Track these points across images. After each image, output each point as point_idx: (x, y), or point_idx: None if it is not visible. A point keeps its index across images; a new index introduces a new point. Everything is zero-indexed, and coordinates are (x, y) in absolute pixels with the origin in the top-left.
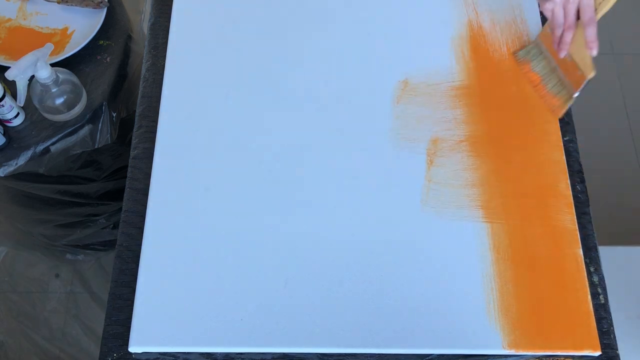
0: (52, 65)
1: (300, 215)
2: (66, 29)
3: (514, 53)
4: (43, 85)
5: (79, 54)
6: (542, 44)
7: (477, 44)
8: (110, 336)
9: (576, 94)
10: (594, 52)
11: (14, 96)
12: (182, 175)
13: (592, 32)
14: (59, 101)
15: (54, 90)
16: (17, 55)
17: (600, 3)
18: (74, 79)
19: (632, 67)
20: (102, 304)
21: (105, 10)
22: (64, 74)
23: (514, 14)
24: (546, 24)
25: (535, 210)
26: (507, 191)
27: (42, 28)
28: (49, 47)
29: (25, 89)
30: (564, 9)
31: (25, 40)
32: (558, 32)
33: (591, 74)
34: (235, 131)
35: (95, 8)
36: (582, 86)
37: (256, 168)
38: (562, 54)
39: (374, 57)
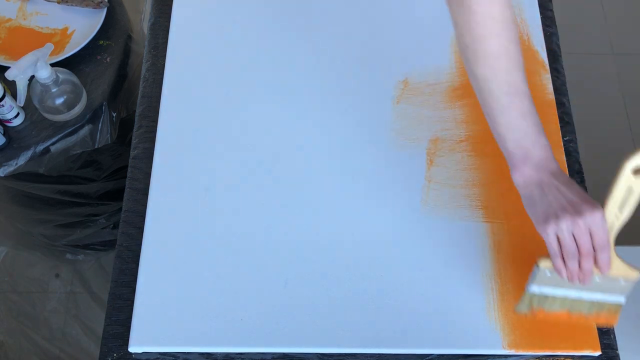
0: (52, 65)
1: (300, 215)
2: (66, 29)
3: (515, 309)
4: (43, 85)
5: (79, 54)
6: (545, 275)
7: None
8: (110, 336)
9: (614, 325)
10: (606, 272)
11: (14, 96)
12: (182, 175)
13: (604, 257)
14: (59, 101)
15: (54, 90)
16: (17, 55)
17: (613, 223)
18: (74, 79)
19: (632, 67)
20: (102, 304)
21: (105, 10)
22: (64, 74)
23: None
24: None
25: None
26: (507, 191)
27: (42, 28)
28: (49, 47)
29: (25, 89)
30: (574, 234)
31: (25, 40)
32: (573, 265)
33: (637, 275)
34: (235, 131)
35: (95, 8)
36: (630, 289)
37: (256, 168)
38: (587, 283)
39: (374, 57)
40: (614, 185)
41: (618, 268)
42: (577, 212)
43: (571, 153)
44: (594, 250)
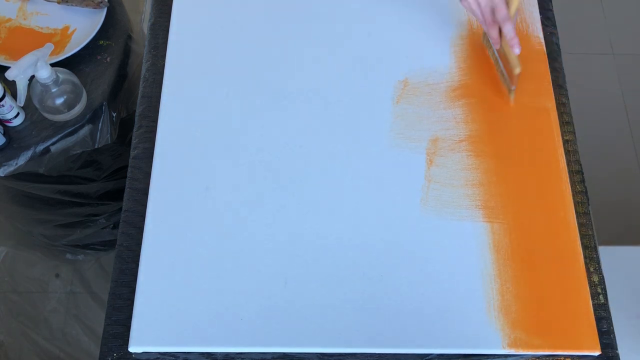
0: (52, 65)
1: (300, 215)
2: (66, 28)
3: (482, 38)
4: (43, 85)
5: (79, 54)
6: None
7: (476, 44)
8: (110, 336)
9: (513, 87)
10: (516, 50)
11: (14, 96)
12: (182, 175)
13: (509, 29)
14: (59, 101)
15: (54, 90)
16: (17, 55)
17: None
18: (74, 79)
19: (632, 67)
20: (102, 304)
21: (105, 10)
22: (64, 73)
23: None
24: None
25: (535, 210)
26: (507, 191)
27: (42, 28)
28: (49, 47)
29: (26, 89)
30: (480, 6)
31: (25, 40)
32: (485, 28)
33: (517, 70)
34: (235, 131)
35: (95, 8)
36: (515, 80)
37: (256, 168)
38: (496, 47)
39: (374, 57)
40: None
41: (511, 54)
42: None
43: (571, 153)
44: (500, 24)
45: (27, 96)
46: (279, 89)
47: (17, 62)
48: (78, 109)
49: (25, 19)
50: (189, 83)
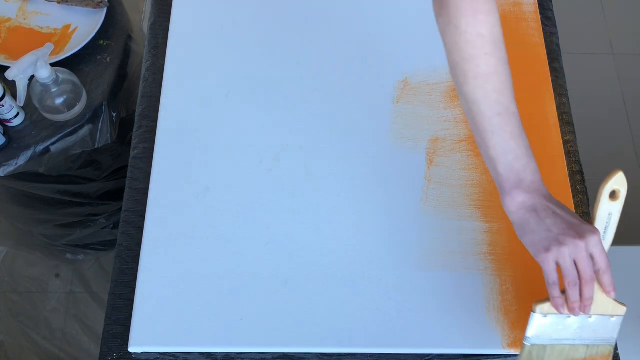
0: (52, 65)
1: (300, 215)
2: (66, 28)
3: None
4: (43, 85)
5: (79, 54)
6: (541, 320)
7: None
8: (110, 336)
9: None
10: (613, 295)
11: (14, 96)
12: (182, 175)
13: (608, 279)
14: (59, 101)
15: (54, 90)
16: (17, 55)
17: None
18: (74, 78)
19: (632, 67)
20: (102, 304)
21: (105, 10)
22: (64, 73)
23: (512, 8)
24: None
25: None
26: None
27: (42, 28)
28: (49, 47)
29: (26, 88)
30: (575, 260)
31: (25, 40)
32: (574, 294)
33: (624, 309)
34: (235, 131)
35: (95, 8)
36: (619, 326)
37: (256, 168)
38: (588, 312)
39: (374, 57)
40: (595, 211)
41: (607, 305)
42: (579, 235)
43: (571, 153)
44: (597, 273)
45: (27, 96)
46: (279, 88)
47: (17, 62)
48: (78, 108)
49: (25, 19)
50: (189, 83)
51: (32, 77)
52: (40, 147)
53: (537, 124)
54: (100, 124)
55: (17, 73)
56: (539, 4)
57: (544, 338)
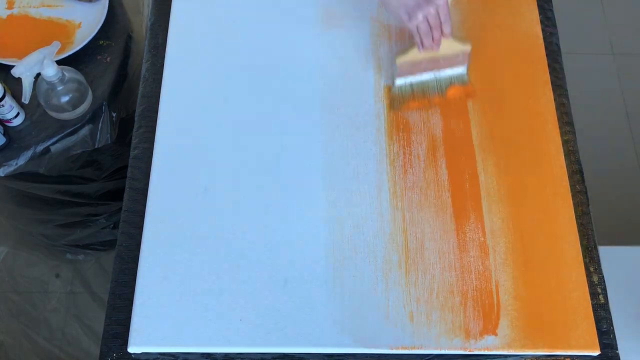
0: None
1: (300, 215)
2: (66, 27)
3: (391, 103)
4: (49, 83)
5: (79, 53)
6: (403, 67)
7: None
8: (110, 336)
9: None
10: (449, 35)
11: (14, 96)
12: (181, 175)
13: (448, 28)
14: (65, 99)
15: (59, 88)
16: (13, 44)
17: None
18: (80, 77)
19: (632, 67)
20: (102, 304)
21: (105, 10)
22: (70, 72)
23: (512, 8)
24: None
25: (534, 210)
26: (507, 191)
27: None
28: (56, 45)
29: (31, 86)
30: (428, 21)
31: (24, 30)
32: (428, 40)
33: (468, 47)
34: (234, 131)
35: (90, 1)
36: (467, 60)
37: (255, 168)
38: (437, 48)
39: (374, 57)
40: None
41: (455, 46)
42: (427, 2)
43: (571, 153)
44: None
45: (32, 94)
46: (279, 90)
47: (23, 59)
48: (83, 107)
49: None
50: (189, 83)
51: (38, 74)
52: (40, 147)
53: (537, 124)
54: (100, 124)
55: (23, 70)
56: (538, 4)
57: (407, 78)
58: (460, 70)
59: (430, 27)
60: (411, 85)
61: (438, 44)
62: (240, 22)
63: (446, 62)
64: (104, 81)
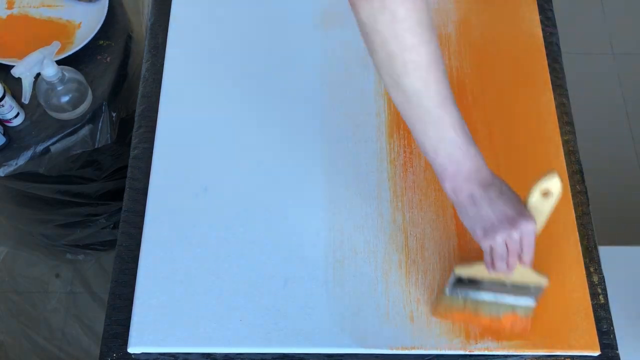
0: None
1: (300, 215)
2: (66, 27)
3: (432, 312)
4: (49, 83)
5: (79, 54)
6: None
7: (475, 46)
8: (110, 336)
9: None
10: (528, 265)
11: (14, 96)
12: (181, 175)
13: (528, 258)
14: (65, 99)
15: (59, 88)
16: (14, 42)
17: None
18: (80, 77)
19: (632, 67)
20: (102, 304)
21: (105, 9)
22: (69, 72)
23: (512, 8)
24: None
25: None
26: None
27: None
28: (56, 45)
29: (31, 86)
30: (506, 243)
31: (24, 29)
32: (501, 265)
33: (544, 281)
34: (234, 131)
35: (90, 1)
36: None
37: (255, 168)
38: (511, 274)
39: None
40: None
41: (530, 276)
42: (512, 225)
43: (571, 153)
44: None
45: (32, 94)
46: (278, 89)
47: (23, 59)
48: (84, 107)
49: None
50: (189, 83)
51: (38, 74)
52: (40, 147)
53: (536, 124)
54: (100, 124)
55: (23, 70)
56: (538, 4)
57: (463, 292)
58: (527, 302)
59: (507, 251)
60: (464, 298)
61: (512, 271)
62: (240, 22)
63: (514, 289)
64: (104, 81)
